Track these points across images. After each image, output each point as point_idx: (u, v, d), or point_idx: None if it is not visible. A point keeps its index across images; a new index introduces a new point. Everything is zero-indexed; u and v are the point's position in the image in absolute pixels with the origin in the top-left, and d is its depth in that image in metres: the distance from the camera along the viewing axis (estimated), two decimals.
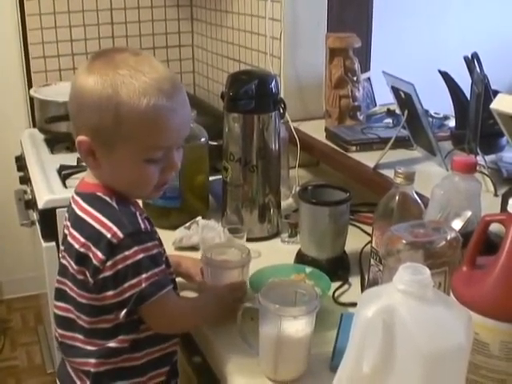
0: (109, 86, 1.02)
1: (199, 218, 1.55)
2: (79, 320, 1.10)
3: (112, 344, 1.09)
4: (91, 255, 1.03)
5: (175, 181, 1.58)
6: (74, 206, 1.11)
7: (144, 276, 1.03)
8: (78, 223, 1.08)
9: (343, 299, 1.31)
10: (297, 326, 1.03)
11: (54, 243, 1.94)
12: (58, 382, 1.21)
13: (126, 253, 1.03)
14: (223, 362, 1.14)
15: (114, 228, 1.03)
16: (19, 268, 3.04)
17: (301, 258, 1.42)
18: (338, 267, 1.38)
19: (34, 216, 2.16)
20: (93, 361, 1.10)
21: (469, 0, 2.78)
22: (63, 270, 1.12)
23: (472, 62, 1.66)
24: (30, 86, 2.72)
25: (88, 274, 1.05)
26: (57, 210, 1.92)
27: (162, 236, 1.41)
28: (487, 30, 2.78)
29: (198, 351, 1.27)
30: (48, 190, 1.99)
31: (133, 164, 1.08)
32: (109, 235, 1.03)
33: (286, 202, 1.76)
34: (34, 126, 2.67)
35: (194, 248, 1.50)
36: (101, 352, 1.10)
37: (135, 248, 1.04)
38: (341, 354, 0.92)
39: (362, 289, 1.33)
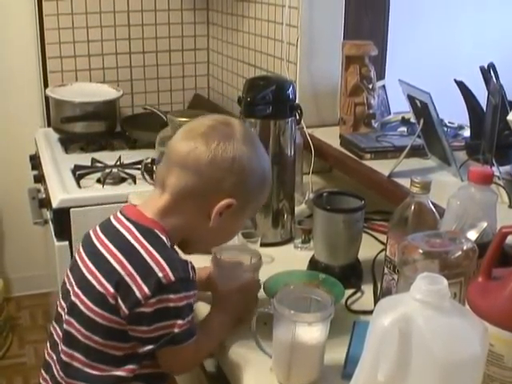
0: (262, 156, 1.18)
1: None
2: (85, 339, 1.09)
3: (119, 372, 1.09)
4: (135, 287, 1.04)
5: None
6: (123, 231, 1.11)
7: (180, 322, 1.06)
8: (129, 251, 1.07)
9: (356, 307, 1.31)
10: (311, 333, 1.03)
11: (67, 242, 1.96)
12: None
13: (172, 296, 1.05)
14: (236, 367, 1.15)
15: (167, 269, 1.04)
16: (29, 266, 3.05)
17: (314, 265, 1.42)
18: (351, 275, 1.39)
19: (48, 215, 2.17)
20: None
21: (484, 8, 2.78)
22: (85, 285, 1.10)
23: (488, 72, 1.66)
24: (45, 85, 2.74)
25: (123, 303, 1.05)
26: (71, 210, 1.94)
27: None
28: (503, 39, 2.77)
29: (211, 355, 1.27)
30: (62, 190, 2.00)
31: (243, 223, 1.22)
32: (160, 274, 1.04)
33: (299, 208, 1.76)
34: (49, 125, 2.69)
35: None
36: (104, 380, 1.09)
37: (183, 294, 1.06)
38: (353, 361, 0.92)
39: (375, 297, 1.33)
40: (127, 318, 1.05)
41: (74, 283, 1.13)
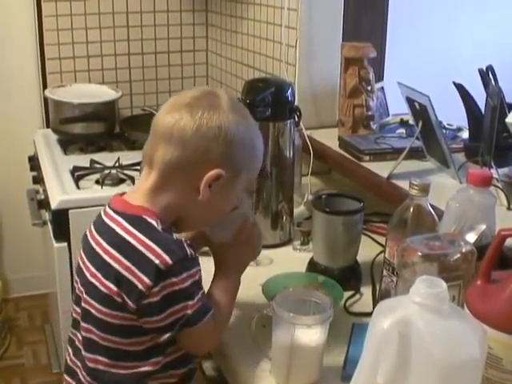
0: (250, 125, 1.14)
1: None
2: (104, 341, 1.09)
3: (145, 368, 1.09)
4: (136, 280, 1.02)
5: None
6: (113, 225, 1.09)
7: (190, 303, 1.04)
8: (121, 245, 1.06)
9: (354, 309, 1.32)
10: (310, 335, 1.04)
11: (65, 244, 1.96)
12: None
13: (174, 279, 1.02)
14: (235, 368, 1.15)
15: (163, 254, 1.02)
16: (28, 267, 3.05)
17: (313, 267, 1.42)
18: (350, 276, 1.39)
19: (46, 216, 2.17)
20: None
21: (483, 8, 2.78)
22: (91, 289, 1.09)
23: (487, 74, 1.66)
24: (44, 86, 2.74)
25: (128, 298, 1.03)
26: (69, 211, 1.94)
27: None
28: (502, 40, 2.78)
29: (210, 356, 1.28)
30: (61, 191, 2.00)
31: (236, 197, 1.16)
32: (157, 261, 1.02)
33: (298, 210, 1.77)
34: (48, 126, 2.69)
35: (205, 253, 1.50)
36: (132, 377, 1.09)
37: (184, 275, 1.04)
38: (352, 363, 0.92)
39: (374, 299, 1.33)
40: (137, 312, 1.04)
41: (82, 289, 1.13)
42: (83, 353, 1.13)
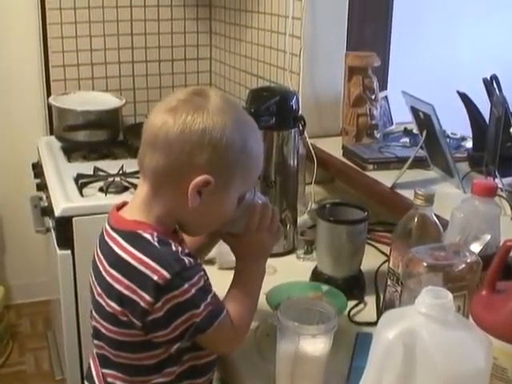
0: (242, 126, 1.07)
1: None
2: (117, 358, 1.09)
3: (159, 379, 1.08)
4: (137, 298, 1.00)
5: None
6: (111, 243, 1.07)
7: (197, 311, 1.02)
8: (120, 264, 1.04)
9: (358, 318, 1.32)
10: (315, 345, 1.03)
11: (69, 251, 1.96)
12: None
13: (176, 292, 1.00)
14: (239, 377, 1.15)
15: (160, 269, 0.99)
16: (30, 273, 3.06)
17: (317, 276, 1.42)
18: (353, 286, 1.39)
19: (50, 223, 2.17)
20: None
21: (485, 18, 2.79)
22: (98, 308, 1.09)
23: (491, 84, 1.66)
24: (48, 94, 2.75)
25: (133, 317, 1.02)
26: (73, 219, 1.94)
27: None
28: (506, 48, 2.78)
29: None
30: (65, 198, 2.01)
31: (234, 201, 1.09)
32: (155, 277, 0.99)
33: (302, 219, 1.77)
34: (52, 133, 2.70)
35: (210, 261, 1.50)
36: None
37: (185, 286, 1.01)
38: (357, 373, 0.92)
39: (378, 308, 1.33)
40: (143, 328, 1.03)
41: (92, 307, 1.12)
42: (101, 369, 1.13)
